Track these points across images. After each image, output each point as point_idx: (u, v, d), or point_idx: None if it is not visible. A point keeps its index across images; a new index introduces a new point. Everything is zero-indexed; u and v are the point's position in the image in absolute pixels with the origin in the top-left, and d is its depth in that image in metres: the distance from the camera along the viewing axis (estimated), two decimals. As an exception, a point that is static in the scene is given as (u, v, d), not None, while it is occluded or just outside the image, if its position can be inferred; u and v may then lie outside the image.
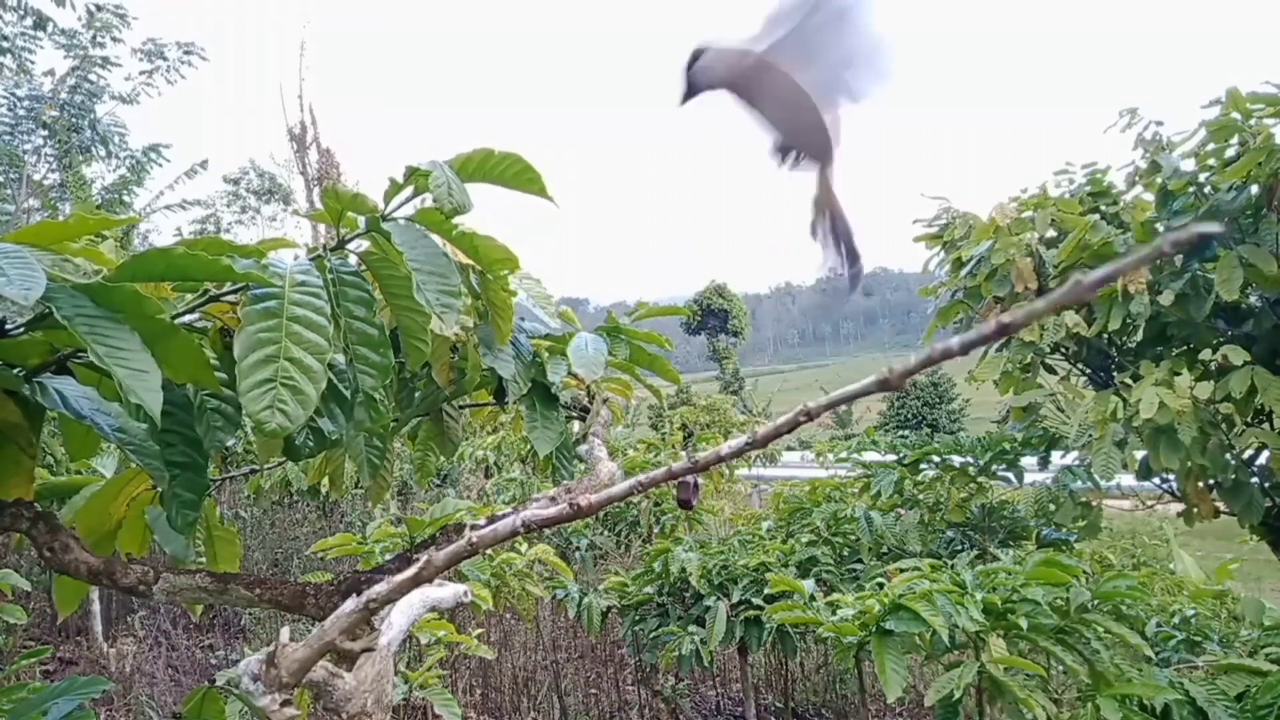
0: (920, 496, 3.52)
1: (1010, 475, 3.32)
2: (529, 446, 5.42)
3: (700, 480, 0.90)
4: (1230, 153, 2.43)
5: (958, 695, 1.96)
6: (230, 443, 1.02)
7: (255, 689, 0.96)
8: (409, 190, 1.08)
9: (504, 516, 1.23)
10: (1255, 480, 2.56)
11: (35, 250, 0.81)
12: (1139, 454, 2.66)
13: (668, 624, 3.34)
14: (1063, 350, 3.01)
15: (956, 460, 3.40)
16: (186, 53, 8.78)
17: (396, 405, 1.42)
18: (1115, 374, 2.84)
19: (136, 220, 4.66)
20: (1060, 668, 2.19)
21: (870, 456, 3.85)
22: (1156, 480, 2.87)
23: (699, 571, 3.31)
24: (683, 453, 6.05)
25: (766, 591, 3.09)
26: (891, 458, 3.64)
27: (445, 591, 1.50)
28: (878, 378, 0.63)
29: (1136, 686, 1.93)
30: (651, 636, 3.42)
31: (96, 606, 5.00)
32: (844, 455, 4.35)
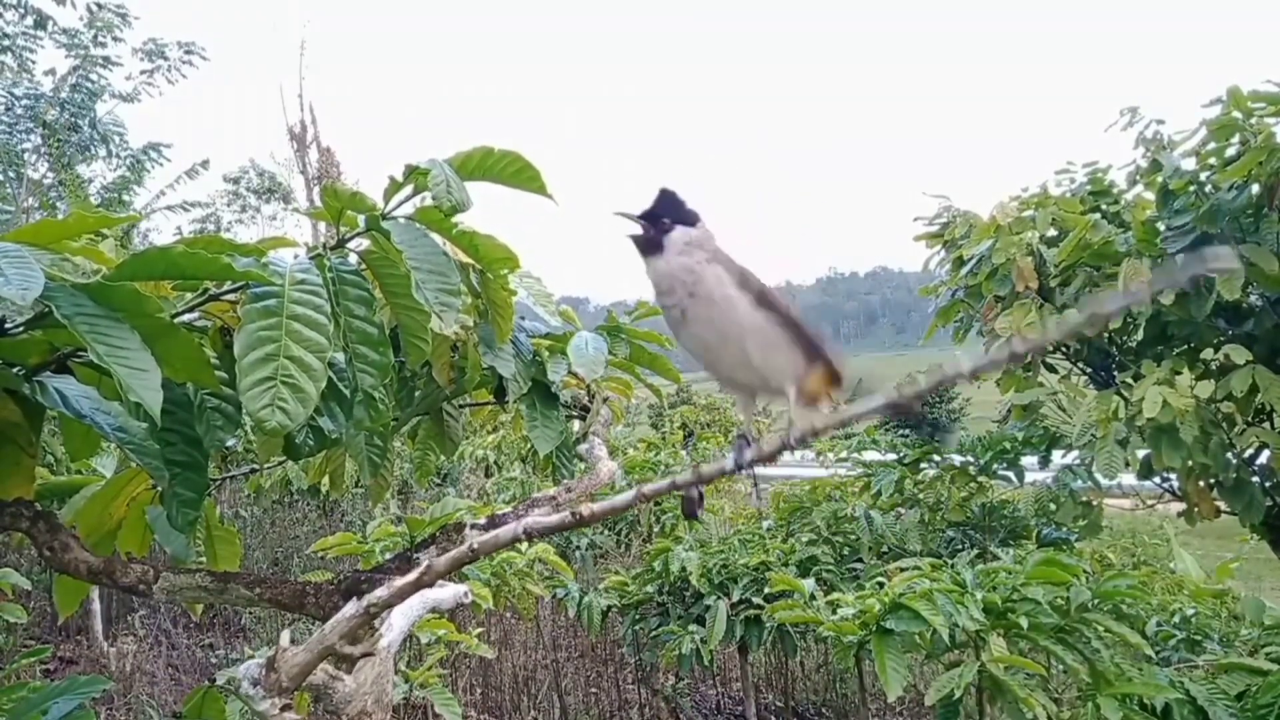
0: (920, 496, 3.52)
1: (1010, 474, 3.32)
2: (529, 445, 5.42)
3: (703, 489, 0.90)
4: (1231, 151, 2.42)
5: (958, 694, 1.96)
6: (230, 442, 1.02)
7: (255, 693, 0.96)
8: (409, 189, 1.08)
9: (505, 517, 1.23)
10: (1256, 479, 2.56)
11: (34, 249, 0.81)
12: (1140, 453, 2.66)
13: (668, 623, 3.34)
14: (1064, 349, 3.01)
15: (957, 459, 3.39)
16: (188, 53, 8.77)
17: (396, 404, 1.42)
18: (1116, 373, 2.83)
19: (136, 219, 4.64)
20: (1060, 667, 2.19)
21: (870, 456, 3.85)
22: (1157, 479, 2.86)
23: (699, 570, 3.31)
24: (683, 452, 6.05)
25: (767, 590, 3.09)
26: (892, 457, 3.64)
27: (445, 592, 1.49)
28: (887, 398, 0.62)
29: (1137, 686, 1.93)
30: (651, 636, 3.42)
31: (97, 606, 4.99)
32: (844, 454, 4.35)
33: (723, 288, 0.88)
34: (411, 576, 0.88)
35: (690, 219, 0.93)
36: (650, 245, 0.92)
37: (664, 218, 0.92)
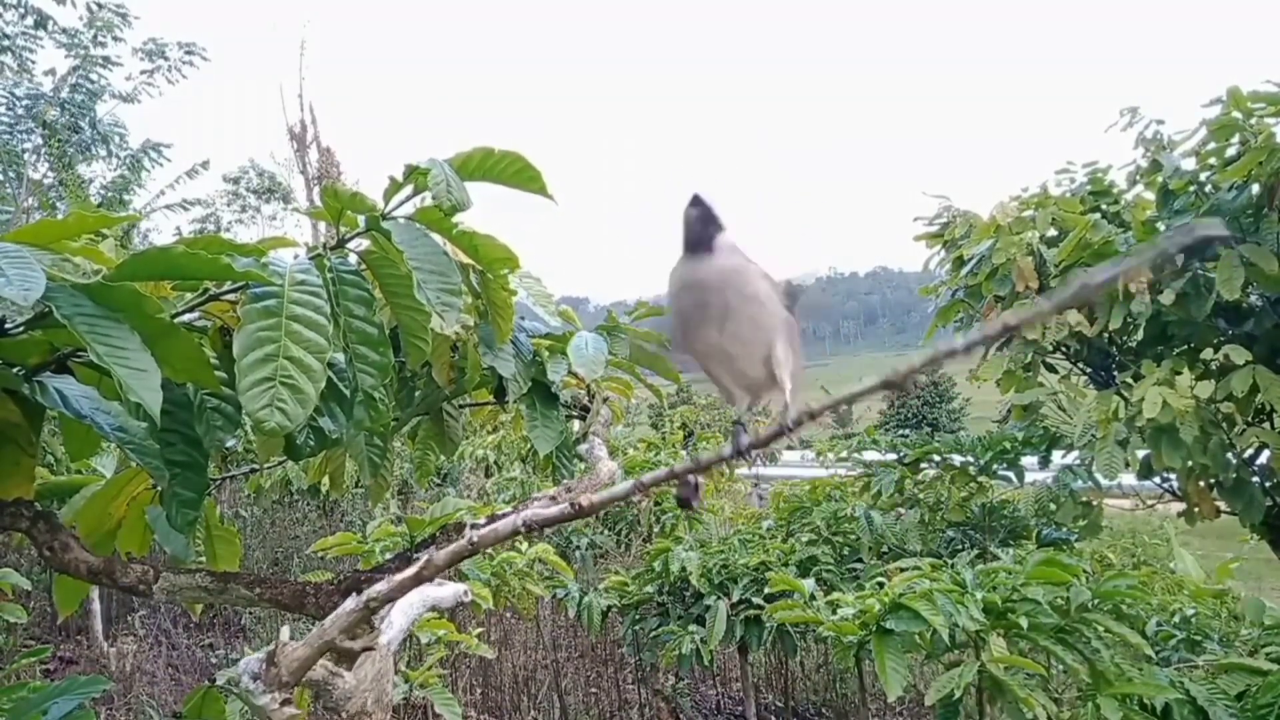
0: (921, 496, 3.52)
1: (1011, 475, 3.32)
2: (529, 445, 5.42)
3: (701, 480, 0.90)
4: (1231, 152, 2.42)
5: (958, 694, 1.96)
6: (230, 442, 1.02)
7: (255, 688, 0.96)
8: (409, 189, 1.08)
9: (505, 516, 1.23)
10: (1256, 479, 2.56)
11: (35, 250, 0.81)
12: (1140, 453, 2.66)
13: (668, 623, 3.34)
14: (1064, 349, 3.01)
15: (957, 460, 3.40)
16: (188, 53, 8.77)
17: (396, 404, 1.42)
18: (1116, 373, 2.83)
19: (136, 219, 4.64)
20: (1060, 667, 2.19)
21: (870, 456, 3.85)
22: (1157, 479, 2.86)
23: (699, 571, 3.31)
24: (683, 452, 6.05)
25: (767, 591, 3.09)
26: (892, 457, 3.64)
27: (445, 591, 1.50)
28: (882, 378, 0.63)
29: (1137, 686, 1.93)
30: (651, 636, 3.42)
31: (97, 605, 4.99)
32: (844, 454, 4.34)
33: (766, 285, 0.96)
34: (411, 571, 0.88)
35: (722, 227, 0.99)
36: (704, 245, 0.97)
37: (714, 222, 0.98)
